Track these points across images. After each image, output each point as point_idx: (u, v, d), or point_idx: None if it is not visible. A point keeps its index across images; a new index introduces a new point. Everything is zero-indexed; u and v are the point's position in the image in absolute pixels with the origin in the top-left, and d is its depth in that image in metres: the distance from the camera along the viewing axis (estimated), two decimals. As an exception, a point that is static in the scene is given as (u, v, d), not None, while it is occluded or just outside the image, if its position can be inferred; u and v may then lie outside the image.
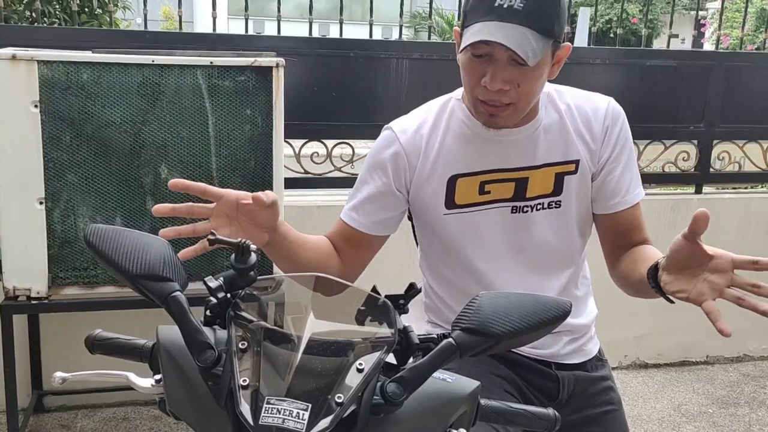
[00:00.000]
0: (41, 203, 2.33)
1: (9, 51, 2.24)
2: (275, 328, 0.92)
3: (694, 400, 3.30)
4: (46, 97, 2.27)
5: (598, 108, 1.51)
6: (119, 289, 2.41)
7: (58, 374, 1.04)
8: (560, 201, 1.50)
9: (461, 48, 1.36)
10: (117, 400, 2.95)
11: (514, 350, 1.57)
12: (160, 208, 1.28)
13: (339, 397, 0.83)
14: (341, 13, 3.19)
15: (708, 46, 12.62)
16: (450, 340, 0.90)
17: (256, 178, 2.46)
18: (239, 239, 0.96)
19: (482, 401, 0.96)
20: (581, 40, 12.21)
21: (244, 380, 0.85)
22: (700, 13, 3.94)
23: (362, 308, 0.98)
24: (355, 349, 0.89)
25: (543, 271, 1.54)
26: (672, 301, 1.30)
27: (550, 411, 0.97)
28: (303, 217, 2.88)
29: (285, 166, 2.56)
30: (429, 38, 3.60)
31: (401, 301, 0.99)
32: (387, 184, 1.51)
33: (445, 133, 1.50)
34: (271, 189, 2.46)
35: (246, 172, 2.45)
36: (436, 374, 0.92)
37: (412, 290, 1.00)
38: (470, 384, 0.94)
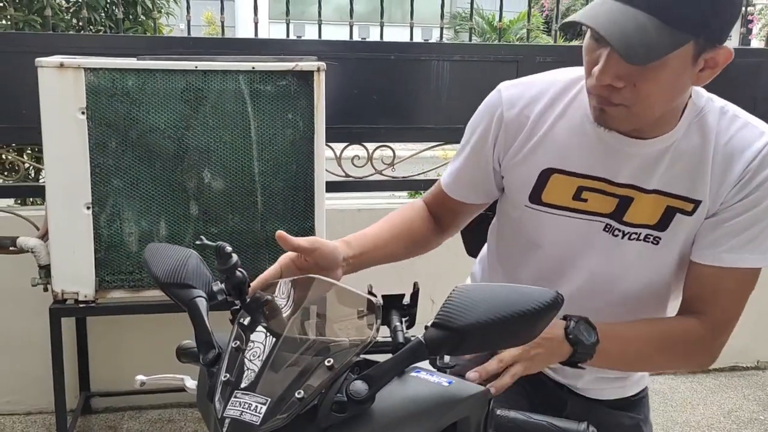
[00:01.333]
0: (88, 208, 2.36)
1: (57, 59, 2.27)
2: (263, 327, 0.96)
3: (745, 406, 3.22)
4: (92, 104, 2.30)
5: (751, 144, 1.20)
6: (163, 293, 2.43)
7: (139, 377, 1.15)
8: (660, 238, 1.26)
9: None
10: (162, 402, 2.99)
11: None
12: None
13: (299, 393, 0.84)
14: (382, 16, 3.18)
15: (756, 42, 12.33)
16: (419, 337, 0.88)
17: (298, 181, 2.47)
18: (218, 243, 1.01)
19: (500, 411, 0.93)
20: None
21: (226, 376, 0.90)
22: (748, 9, 3.84)
23: (353, 308, 0.97)
24: (329, 348, 0.90)
25: (624, 309, 1.32)
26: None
27: (582, 426, 0.91)
28: (343, 220, 2.88)
29: (326, 170, 2.56)
30: (470, 39, 3.57)
31: (404, 303, 1.00)
32: (482, 155, 1.36)
33: (558, 118, 1.28)
34: (313, 192, 2.47)
35: (288, 176, 2.46)
36: (430, 377, 0.91)
37: (416, 292, 0.99)
38: (472, 388, 0.91)
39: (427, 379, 0.90)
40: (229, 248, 1.00)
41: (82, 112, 2.30)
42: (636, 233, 1.27)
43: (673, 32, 1.04)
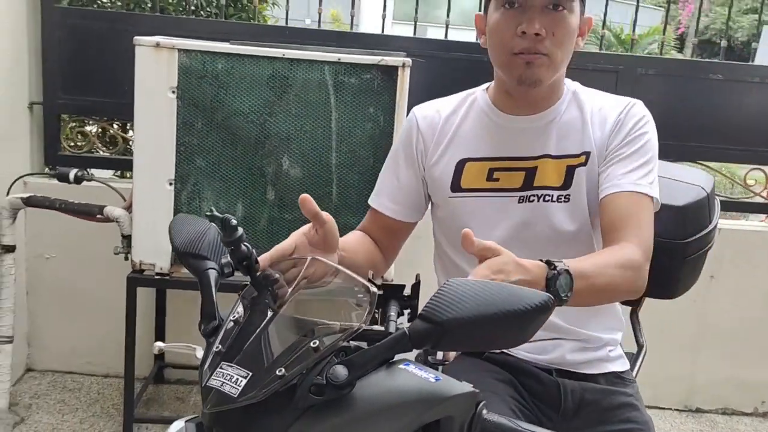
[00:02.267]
0: (171, 184, 2.45)
1: (154, 39, 2.36)
2: (260, 304, 0.98)
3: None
4: (183, 84, 2.38)
5: (618, 104, 1.51)
6: (234, 273, 2.49)
7: (157, 344, 1.19)
8: (569, 195, 1.48)
9: (493, 2, 1.43)
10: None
11: (511, 353, 1.52)
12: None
13: (280, 371, 0.84)
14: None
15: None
16: (404, 328, 0.86)
17: (374, 175, 2.43)
18: (224, 215, 1.01)
19: (487, 414, 0.89)
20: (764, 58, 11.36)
21: (218, 347, 0.92)
22: None
23: (351, 293, 0.96)
24: (317, 330, 0.90)
25: None
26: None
27: None
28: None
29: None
30: (600, 50, 3.44)
31: (405, 294, 0.98)
32: (408, 165, 1.57)
33: (463, 119, 1.56)
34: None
35: (364, 169, 2.46)
36: (418, 371, 0.88)
37: (417, 284, 0.97)
38: (459, 387, 0.87)
39: (414, 373, 0.88)
40: (234, 221, 1.00)
41: (173, 92, 2.38)
42: (549, 195, 1.48)
43: None
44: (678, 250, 1.77)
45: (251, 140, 2.43)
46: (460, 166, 1.52)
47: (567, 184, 1.48)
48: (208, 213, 1.00)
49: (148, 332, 2.94)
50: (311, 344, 0.86)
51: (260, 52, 2.39)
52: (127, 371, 2.57)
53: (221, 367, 0.88)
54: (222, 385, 0.86)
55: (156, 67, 2.37)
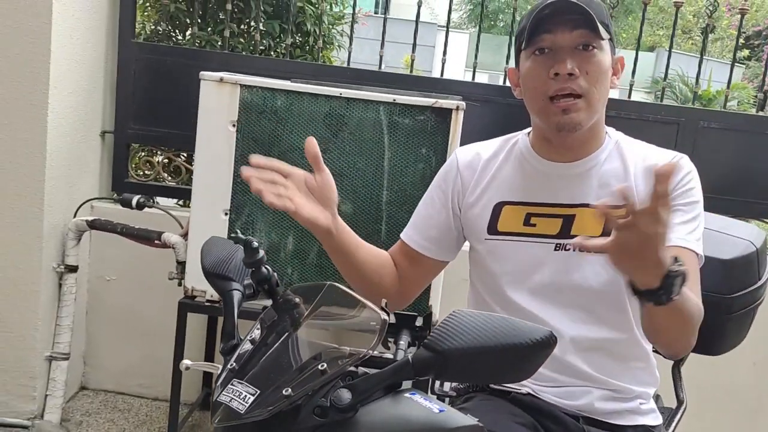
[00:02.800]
0: (226, 214, 2.52)
1: (218, 74, 2.47)
2: (277, 326, 1.01)
3: None
4: (243, 118, 2.47)
5: (664, 157, 1.48)
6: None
7: (184, 362, 1.21)
8: None
9: (524, 52, 1.45)
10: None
11: (538, 395, 1.48)
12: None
13: (287, 391, 0.86)
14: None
15: None
16: (408, 356, 0.87)
17: (423, 215, 2.49)
18: (247, 237, 1.06)
19: None
20: None
21: (232, 365, 0.96)
22: None
23: (365, 320, 0.98)
24: (326, 354, 0.93)
25: (589, 314, 1.47)
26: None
27: None
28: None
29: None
30: (660, 100, 3.43)
31: (417, 325, 0.99)
32: (443, 204, 1.59)
33: (503, 162, 1.57)
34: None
35: (413, 208, 2.46)
36: (423, 401, 0.88)
37: (429, 315, 0.98)
38: (463, 420, 0.87)
39: (418, 402, 0.89)
40: (256, 243, 1.04)
41: (233, 125, 2.47)
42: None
43: (602, 25, 1.39)
44: (723, 305, 1.73)
45: (305, 175, 2.49)
46: (498, 208, 1.53)
47: (606, 234, 1.39)
48: (232, 235, 1.05)
49: (198, 358, 3.00)
50: (319, 367, 0.89)
51: (318, 90, 2.46)
52: (173, 395, 2.62)
53: (232, 384, 0.92)
54: (231, 401, 0.89)
55: (218, 100, 2.46)
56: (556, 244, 1.47)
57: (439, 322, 0.85)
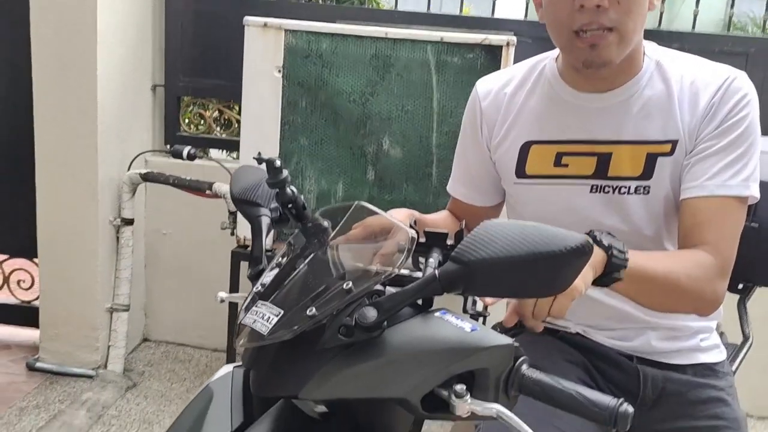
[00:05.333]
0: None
1: (261, 20, 2.43)
2: (303, 249, 0.97)
3: None
4: (288, 64, 2.43)
5: (716, 77, 1.26)
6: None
7: (220, 294, 1.18)
8: (649, 187, 1.29)
9: None
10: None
11: (589, 337, 1.40)
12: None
13: (311, 311, 0.83)
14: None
15: None
16: (435, 270, 0.81)
17: (474, 157, 2.42)
18: (270, 157, 1.00)
19: (527, 370, 0.83)
20: None
21: (257, 287, 0.92)
22: None
23: (392, 239, 0.92)
24: (352, 273, 0.88)
25: None
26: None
27: (612, 401, 0.78)
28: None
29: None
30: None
31: (448, 243, 0.93)
32: (475, 145, 1.46)
33: (529, 94, 1.39)
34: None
35: (464, 151, 2.42)
36: (454, 319, 0.83)
37: (461, 232, 0.92)
38: (496, 339, 0.81)
39: (449, 321, 0.84)
40: (278, 162, 1.00)
41: (279, 71, 2.44)
42: (625, 186, 1.30)
43: None
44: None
45: (353, 120, 2.45)
46: (525, 149, 1.38)
47: (647, 174, 1.29)
48: (255, 156, 1.01)
49: (254, 309, 3.01)
50: (344, 286, 0.84)
51: (364, 32, 2.40)
52: (230, 345, 2.65)
53: (256, 305, 0.89)
54: (254, 322, 0.86)
55: (263, 46, 2.43)
56: (592, 185, 1.32)
57: (472, 233, 0.80)
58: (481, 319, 0.93)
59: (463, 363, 0.82)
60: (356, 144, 2.47)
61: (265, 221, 1.05)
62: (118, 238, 2.86)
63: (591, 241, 0.78)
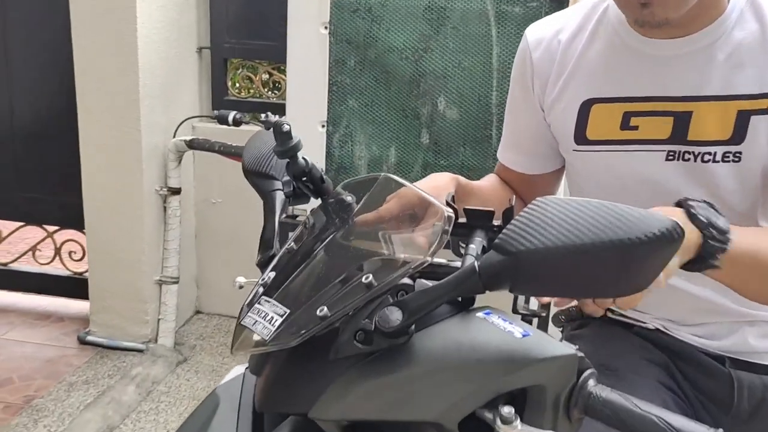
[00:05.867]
0: (323, 126, 2.34)
1: (305, -28, 2.25)
2: (320, 231, 0.81)
3: None
4: (335, 19, 2.25)
5: None
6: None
7: (238, 279, 1.02)
8: (740, 153, 1.03)
9: None
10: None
11: (671, 333, 1.16)
12: None
13: (321, 310, 0.66)
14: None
15: None
16: (475, 262, 0.63)
17: (539, 117, 2.21)
18: (277, 119, 0.83)
19: (594, 387, 0.64)
20: None
21: (264, 279, 0.77)
22: None
23: (426, 219, 0.75)
24: (374, 264, 0.71)
25: None
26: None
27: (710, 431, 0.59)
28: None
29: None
30: None
31: (495, 224, 0.73)
32: (527, 102, 1.21)
33: (589, 42, 1.13)
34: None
35: (527, 110, 2.21)
36: (501, 322, 0.65)
37: (510, 209, 0.72)
38: (555, 348, 0.63)
39: (495, 324, 0.66)
40: (287, 126, 0.83)
41: (325, 27, 2.26)
42: (710, 153, 1.04)
43: None
44: None
45: (405, 79, 2.26)
46: (586, 108, 1.13)
47: (738, 137, 1.03)
48: (262, 119, 0.84)
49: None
50: (363, 280, 0.67)
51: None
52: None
53: (260, 303, 0.73)
54: (255, 323, 0.70)
55: (307, 1, 2.25)
56: (668, 152, 1.07)
57: (518, 214, 0.61)
58: (535, 320, 0.74)
59: (512, 379, 0.64)
60: (409, 105, 2.28)
61: (279, 197, 0.88)
62: (165, 208, 2.76)
63: (678, 224, 0.58)
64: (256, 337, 0.70)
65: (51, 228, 3.08)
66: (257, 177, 0.91)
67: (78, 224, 2.95)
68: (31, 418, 2.33)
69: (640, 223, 0.57)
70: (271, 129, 0.85)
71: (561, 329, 1.25)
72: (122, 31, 2.48)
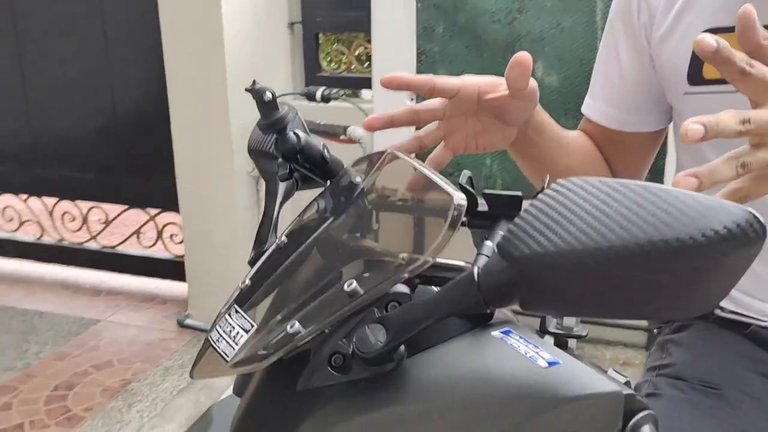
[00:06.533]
0: (412, 99, 2.18)
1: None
2: (314, 220, 0.66)
3: None
4: (422, -17, 2.09)
5: None
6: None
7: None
8: None
9: None
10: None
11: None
12: (372, 122, 0.85)
13: (292, 326, 0.52)
14: None
15: None
16: (476, 268, 0.47)
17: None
18: (260, 86, 0.68)
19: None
20: None
21: (244, 282, 0.63)
22: None
23: (435, 206, 0.57)
24: (362, 264, 0.58)
25: None
26: None
27: None
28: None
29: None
30: None
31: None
32: (627, 43, 1.00)
33: None
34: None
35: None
36: (523, 345, 0.50)
37: (542, 191, 0.54)
38: (593, 383, 0.46)
39: (514, 348, 0.49)
40: (270, 94, 0.68)
41: (411, -8, 2.10)
42: None
43: None
44: None
45: (498, 44, 2.06)
46: None
47: None
48: (247, 87, 0.70)
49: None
50: (345, 287, 0.52)
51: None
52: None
53: (228, 315, 0.58)
54: (218, 340, 0.56)
55: (392, -35, 2.10)
56: None
57: (532, 201, 0.44)
58: (573, 342, 0.56)
59: (539, 425, 0.47)
60: (503, 72, 2.08)
61: (281, 184, 0.74)
62: (257, 190, 2.69)
63: (757, 217, 0.39)
64: (216, 357, 0.56)
65: (153, 211, 3.10)
66: (260, 156, 0.78)
67: (177, 207, 2.94)
68: (126, 402, 2.33)
69: (698, 217, 0.39)
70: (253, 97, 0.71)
71: (656, 332, 1.04)
72: (207, 8, 2.42)
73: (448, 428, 0.48)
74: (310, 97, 2.51)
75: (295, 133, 0.70)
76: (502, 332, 0.51)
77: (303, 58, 2.87)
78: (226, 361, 0.55)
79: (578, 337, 0.56)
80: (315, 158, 0.70)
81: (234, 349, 0.55)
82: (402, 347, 0.49)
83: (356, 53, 2.95)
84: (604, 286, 0.41)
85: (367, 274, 0.54)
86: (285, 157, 0.71)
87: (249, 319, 0.56)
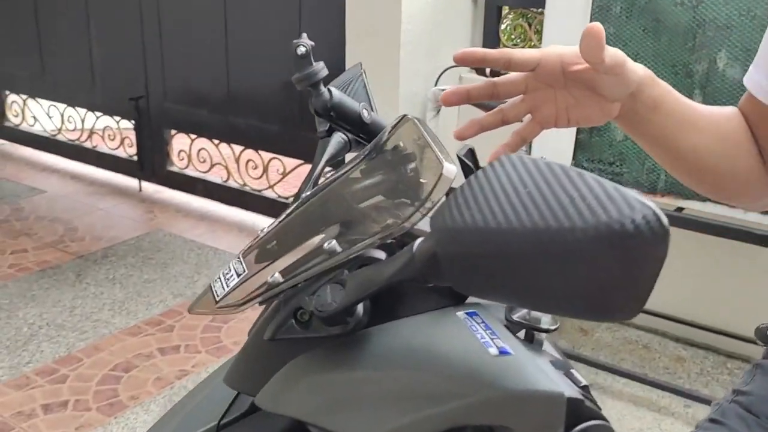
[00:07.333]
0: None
1: None
2: (330, 179, 0.67)
3: None
4: (603, -42, 1.98)
5: None
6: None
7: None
8: None
9: None
10: (640, 323, 2.63)
11: None
12: (449, 97, 0.82)
13: (273, 276, 0.55)
14: None
15: None
16: (417, 242, 0.47)
17: None
18: (299, 41, 0.67)
19: None
20: None
21: (263, 229, 0.66)
22: None
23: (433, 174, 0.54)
24: (347, 225, 0.58)
25: None
26: None
27: None
28: None
29: None
30: None
31: None
32: None
33: None
34: None
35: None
36: (481, 330, 0.48)
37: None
38: (536, 381, 0.44)
39: (471, 332, 0.47)
40: (304, 47, 0.67)
41: (592, -32, 2.00)
42: None
43: None
44: None
45: (679, 28, 1.91)
46: None
47: None
48: (294, 41, 0.70)
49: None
50: (325, 245, 0.52)
51: None
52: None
53: (237, 260, 0.61)
54: (216, 281, 0.59)
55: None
56: None
57: (471, 176, 0.41)
58: (545, 336, 0.52)
59: (473, 411, 0.45)
60: (681, 60, 1.93)
61: (336, 138, 0.74)
62: (421, 158, 2.71)
63: (659, 216, 0.34)
64: (209, 297, 0.58)
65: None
66: (318, 114, 0.78)
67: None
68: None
69: (597, 209, 0.34)
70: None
71: (764, 344, 0.92)
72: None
73: (394, 396, 0.47)
74: (480, 70, 2.48)
75: (329, 90, 0.70)
76: (467, 313, 0.49)
77: (483, 30, 2.83)
78: (216, 301, 0.57)
79: (546, 331, 0.52)
80: (351, 117, 0.70)
81: (223, 290, 0.57)
82: (360, 311, 0.49)
83: (535, 30, 2.87)
84: (510, 269, 0.38)
85: (350, 235, 0.54)
86: (318, 113, 0.71)
87: (244, 266, 0.58)
